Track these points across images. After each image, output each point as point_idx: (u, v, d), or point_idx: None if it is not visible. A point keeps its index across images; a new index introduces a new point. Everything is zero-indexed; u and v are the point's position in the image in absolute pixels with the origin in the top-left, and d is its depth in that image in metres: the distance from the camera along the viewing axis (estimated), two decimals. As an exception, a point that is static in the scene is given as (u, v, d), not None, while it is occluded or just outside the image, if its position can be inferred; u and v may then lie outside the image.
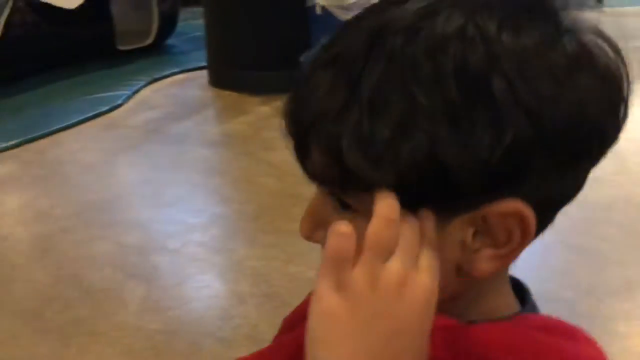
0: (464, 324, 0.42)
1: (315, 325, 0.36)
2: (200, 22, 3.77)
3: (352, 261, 0.36)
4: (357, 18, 0.41)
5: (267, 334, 1.71)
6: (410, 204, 0.37)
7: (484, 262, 0.39)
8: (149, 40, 3.90)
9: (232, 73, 3.36)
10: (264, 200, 2.35)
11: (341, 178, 0.38)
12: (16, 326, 1.67)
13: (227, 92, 3.35)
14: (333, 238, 0.36)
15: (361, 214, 0.38)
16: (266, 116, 2.99)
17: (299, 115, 0.41)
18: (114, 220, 2.17)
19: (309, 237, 0.43)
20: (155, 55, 3.97)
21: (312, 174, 0.41)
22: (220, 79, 3.42)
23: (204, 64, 3.68)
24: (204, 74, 3.60)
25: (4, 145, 2.73)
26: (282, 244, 2.03)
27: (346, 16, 2.84)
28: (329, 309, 0.35)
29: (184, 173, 2.56)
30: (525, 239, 0.38)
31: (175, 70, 3.72)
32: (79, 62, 3.72)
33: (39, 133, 2.87)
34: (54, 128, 2.93)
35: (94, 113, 3.10)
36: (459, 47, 0.35)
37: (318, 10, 2.99)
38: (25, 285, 1.83)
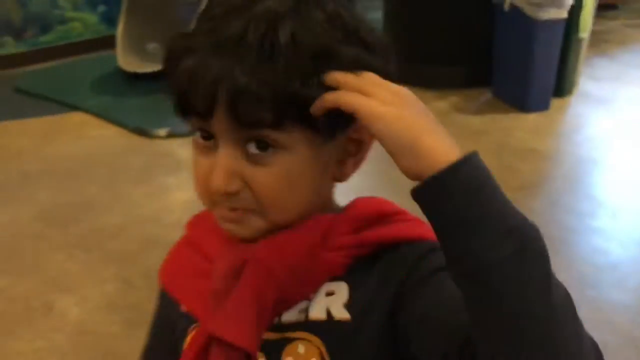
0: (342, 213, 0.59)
1: (399, 134, 0.46)
2: (371, 15, 3.83)
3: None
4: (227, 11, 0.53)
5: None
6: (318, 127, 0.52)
7: (349, 168, 0.58)
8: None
9: (407, 66, 3.37)
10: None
11: (279, 112, 0.50)
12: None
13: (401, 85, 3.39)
14: (340, 94, 0.49)
15: (283, 149, 0.52)
16: (443, 111, 2.99)
17: (212, 79, 0.50)
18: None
19: (225, 187, 0.52)
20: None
21: (244, 122, 0.50)
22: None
23: (376, 57, 3.75)
24: (376, 68, 3.67)
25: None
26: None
27: (537, 13, 2.77)
28: (394, 116, 0.47)
29: (367, 163, 2.63)
30: (370, 146, 0.57)
31: (348, 63, 3.83)
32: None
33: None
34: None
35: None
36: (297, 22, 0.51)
37: (506, 7, 2.91)
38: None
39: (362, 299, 0.56)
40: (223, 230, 0.58)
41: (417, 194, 0.45)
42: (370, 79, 0.49)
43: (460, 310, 0.46)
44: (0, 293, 1.88)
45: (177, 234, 0.68)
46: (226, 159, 0.52)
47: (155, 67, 3.54)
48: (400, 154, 0.46)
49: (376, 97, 0.47)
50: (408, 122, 0.46)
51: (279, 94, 0.49)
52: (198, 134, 0.54)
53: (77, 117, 3.12)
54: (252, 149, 0.52)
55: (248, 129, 0.51)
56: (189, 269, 0.62)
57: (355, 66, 0.51)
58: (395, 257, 0.56)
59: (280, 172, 0.53)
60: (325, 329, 0.55)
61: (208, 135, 0.53)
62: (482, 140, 2.73)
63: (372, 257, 0.57)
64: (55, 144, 2.87)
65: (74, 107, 3.21)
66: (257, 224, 0.55)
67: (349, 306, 0.55)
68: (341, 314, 0.55)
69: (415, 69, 3.37)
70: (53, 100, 3.32)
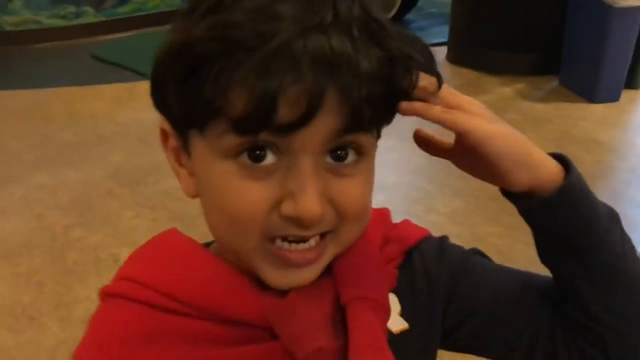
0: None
1: (516, 151, 0.47)
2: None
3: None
4: None
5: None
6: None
7: None
8: (392, 13, 4.04)
9: (473, 51, 3.36)
10: (505, 181, 2.35)
11: (390, 109, 0.44)
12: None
13: (465, 70, 3.36)
14: (455, 115, 0.46)
15: (361, 155, 0.44)
16: (508, 97, 2.96)
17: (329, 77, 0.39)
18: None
19: (321, 212, 0.42)
20: (394, 29, 4.11)
21: (360, 125, 0.42)
22: (460, 56, 3.44)
23: (441, 40, 3.73)
24: (441, 50, 3.64)
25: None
26: (525, 226, 2.03)
27: (613, -1, 2.68)
28: (505, 134, 0.47)
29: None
30: None
31: (413, 45, 3.82)
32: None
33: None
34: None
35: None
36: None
37: (580, -8, 2.83)
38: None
39: (415, 302, 0.53)
40: (232, 281, 0.46)
41: (545, 204, 0.47)
42: (462, 96, 0.47)
43: (523, 282, 0.54)
44: (74, 243, 2.02)
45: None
46: (316, 177, 0.42)
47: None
48: (517, 169, 0.47)
49: (478, 115, 0.46)
50: (517, 138, 0.47)
51: (390, 86, 0.42)
52: (244, 155, 0.42)
53: (148, 85, 3.25)
54: (330, 160, 0.43)
55: (353, 133, 0.42)
56: (194, 341, 0.46)
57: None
58: (425, 253, 0.55)
59: (365, 181, 0.45)
60: (390, 346, 0.49)
61: (261, 155, 0.42)
62: (544, 129, 2.69)
63: (406, 262, 0.54)
64: (127, 109, 3.02)
65: (145, 76, 3.33)
66: (331, 254, 0.47)
67: (404, 314, 0.52)
68: (399, 325, 0.51)
69: (481, 53, 3.33)
70: (126, 68, 3.48)
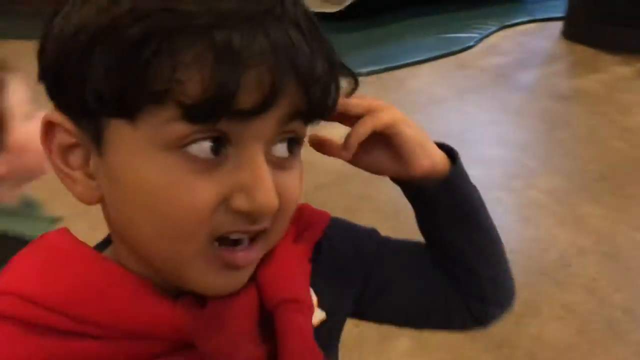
0: None
1: (419, 137, 0.51)
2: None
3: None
4: None
5: (605, 290, 1.71)
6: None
7: None
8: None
9: (591, 26, 3.20)
10: (613, 163, 2.26)
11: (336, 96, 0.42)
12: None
13: (580, 47, 3.21)
14: (377, 119, 0.50)
15: (299, 148, 0.42)
16: (624, 77, 2.80)
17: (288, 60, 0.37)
18: (460, 153, 2.34)
19: (277, 205, 0.39)
20: (507, 2, 3.98)
21: (320, 113, 0.40)
22: (577, 32, 3.29)
23: (556, 15, 3.57)
24: (555, 26, 3.50)
25: (366, 70, 3.11)
26: (630, 209, 1.96)
27: None
28: (410, 122, 0.51)
29: (530, 120, 2.60)
30: None
31: (526, 19, 3.69)
32: (432, 3, 3.95)
33: (397, 64, 3.20)
34: (411, 61, 3.23)
35: (446, 51, 3.31)
36: None
37: None
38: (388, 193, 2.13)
39: (328, 291, 0.52)
40: (127, 292, 0.40)
41: (445, 182, 0.53)
42: (369, 97, 0.52)
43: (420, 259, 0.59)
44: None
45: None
46: (267, 172, 0.38)
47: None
48: (418, 154, 0.52)
49: (387, 109, 0.51)
50: (418, 126, 0.53)
51: (335, 73, 0.41)
52: (190, 147, 0.37)
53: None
54: (281, 151, 0.40)
55: (302, 120, 0.40)
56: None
57: None
58: (333, 241, 0.55)
59: (301, 174, 0.43)
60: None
61: (213, 146, 0.37)
62: (663, 111, 2.54)
63: (316, 252, 0.53)
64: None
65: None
66: (260, 255, 0.44)
67: (321, 305, 0.51)
68: (318, 316, 0.50)
69: (600, 29, 3.17)
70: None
